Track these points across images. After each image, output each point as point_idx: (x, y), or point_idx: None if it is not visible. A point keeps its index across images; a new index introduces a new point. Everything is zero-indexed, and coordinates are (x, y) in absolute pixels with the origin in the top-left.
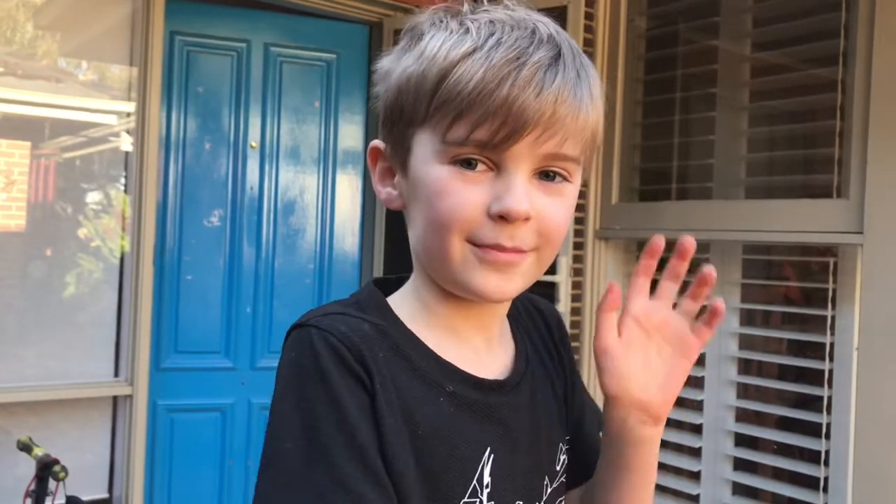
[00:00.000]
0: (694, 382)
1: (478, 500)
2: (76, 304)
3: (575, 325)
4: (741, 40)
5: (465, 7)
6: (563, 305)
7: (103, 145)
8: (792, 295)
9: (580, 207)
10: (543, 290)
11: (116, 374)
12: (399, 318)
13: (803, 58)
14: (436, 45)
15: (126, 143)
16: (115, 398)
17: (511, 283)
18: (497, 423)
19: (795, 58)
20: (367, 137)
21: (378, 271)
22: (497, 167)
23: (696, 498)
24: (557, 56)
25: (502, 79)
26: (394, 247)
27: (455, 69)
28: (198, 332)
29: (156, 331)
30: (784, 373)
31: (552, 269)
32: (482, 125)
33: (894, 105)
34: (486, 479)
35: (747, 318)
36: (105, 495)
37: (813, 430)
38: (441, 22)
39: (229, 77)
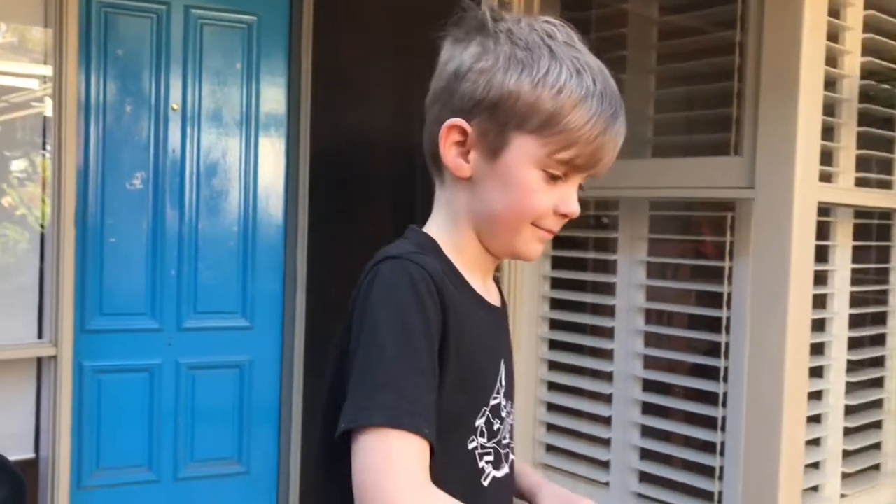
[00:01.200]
0: (606, 332)
1: (498, 396)
2: (1, 272)
3: None
4: (650, 3)
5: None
6: None
7: (25, 111)
8: (701, 249)
9: None
10: None
11: (40, 336)
12: (450, 259)
13: (708, 21)
14: (558, 79)
15: (49, 109)
16: (39, 360)
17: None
18: (503, 337)
19: (700, 21)
20: (290, 100)
21: (303, 233)
22: (566, 177)
23: (607, 441)
24: (621, 110)
25: (605, 130)
26: (318, 209)
27: (574, 110)
28: (123, 295)
29: (80, 293)
30: (695, 322)
31: None
32: (580, 156)
33: (783, 66)
34: (502, 380)
35: (657, 271)
36: (32, 455)
37: (714, 374)
38: (542, 42)
39: (149, 39)
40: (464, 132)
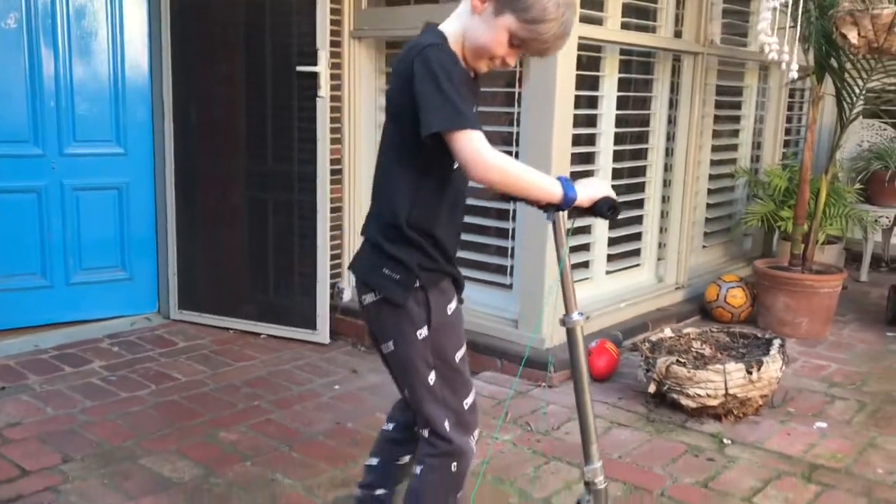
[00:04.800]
0: None
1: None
2: None
3: (335, 109)
4: None
5: None
6: (324, 91)
7: None
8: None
9: (336, 11)
10: (308, 81)
11: None
12: (454, 52)
13: None
14: (548, 6)
15: None
16: None
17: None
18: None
19: None
20: None
21: (167, 65)
22: (517, 48)
23: None
24: (569, 34)
25: (555, 42)
26: (180, 46)
27: (547, 24)
28: (7, 125)
29: None
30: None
31: (314, 61)
32: (534, 46)
33: None
34: None
35: None
36: None
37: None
38: None
39: None
40: None
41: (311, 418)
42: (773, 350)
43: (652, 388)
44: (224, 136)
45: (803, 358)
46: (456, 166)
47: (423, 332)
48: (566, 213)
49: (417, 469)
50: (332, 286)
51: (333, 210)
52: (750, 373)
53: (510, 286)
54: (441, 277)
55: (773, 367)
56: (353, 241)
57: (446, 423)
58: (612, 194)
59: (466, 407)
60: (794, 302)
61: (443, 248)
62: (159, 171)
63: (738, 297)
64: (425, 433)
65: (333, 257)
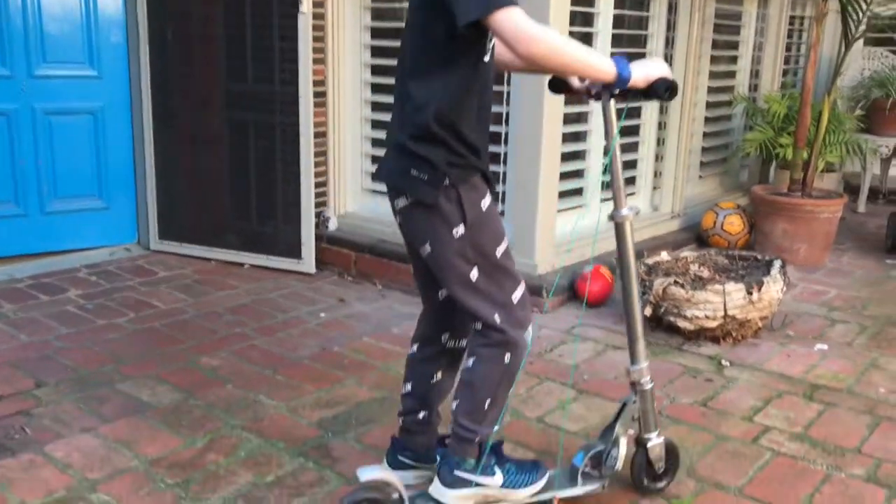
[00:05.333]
0: None
1: None
2: None
3: (318, 27)
4: None
5: None
6: (306, 7)
7: None
8: None
9: None
10: (290, 10)
11: None
12: None
13: None
14: None
15: None
16: None
17: None
18: None
19: None
20: None
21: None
22: None
23: None
24: None
25: None
26: None
27: None
28: None
29: None
30: None
31: None
32: None
33: None
34: None
35: None
36: None
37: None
38: None
39: None
40: None
41: (296, 344)
42: (774, 271)
43: (648, 311)
44: (202, 56)
45: (802, 284)
46: (486, 59)
47: (459, 231)
48: (616, 95)
49: (469, 361)
50: (318, 215)
51: (317, 135)
52: (750, 293)
53: (502, 213)
54: (470, 173)
55: (773, 287)
56: (339, 168)
57: (496, 317)
58: (670, 74)
59: (515, 301)
60: (793, 228)
61: (470, 144)
62: (136, 94)
63: (735, 224)
64: (478, 326)
65: (318, 185)
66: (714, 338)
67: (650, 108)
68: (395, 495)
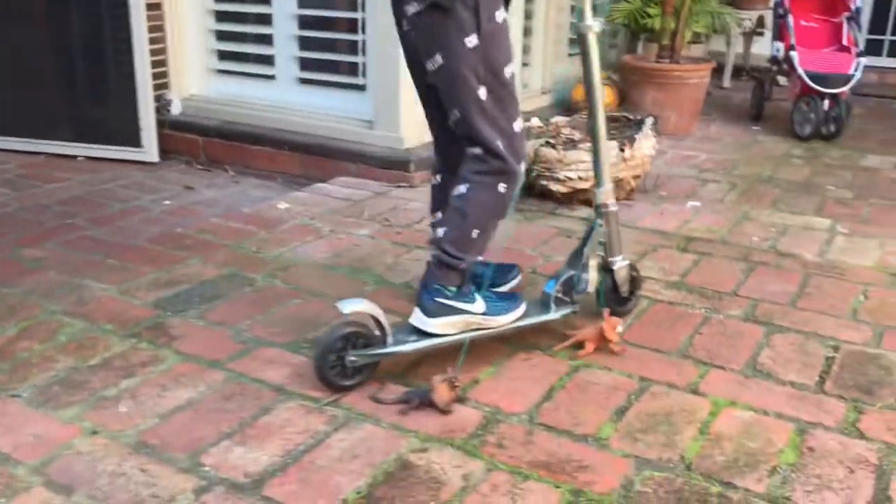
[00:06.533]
0: None
1: None
2: None
3: None
4: None
5: None
6: None
7: None
8: None
9: None
10: None
11: None
12: None
13: None
14: None
15: None
16: None
17: None
18: None
19: None
20: None
21: None
22: None
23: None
24: None
25: None
26: None
27: None
28: None
29: None
30: None
31: None
32: None
33: None
34: None
35: None
36: None
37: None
38: None
39: None
40: None
41: (135, 231)
42: (646, 128)
43: None
44: None
45: (673, 150)
46: None
47: (472, 41)
48: None
49: (462, 187)
50: (158, 98)
51: (151, 7)
52: (623, 150)
53: (363, 87)
54: None
55: (645, 144)
56: (179, 45)
57: (499, 142)
58: None
59: (517, 130)
60: (663, 95)
61: None
62: None
63: (605, 96)
64: (476, 150)
65: (157, 64)
66: (587, 201)
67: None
68: (378, 332)
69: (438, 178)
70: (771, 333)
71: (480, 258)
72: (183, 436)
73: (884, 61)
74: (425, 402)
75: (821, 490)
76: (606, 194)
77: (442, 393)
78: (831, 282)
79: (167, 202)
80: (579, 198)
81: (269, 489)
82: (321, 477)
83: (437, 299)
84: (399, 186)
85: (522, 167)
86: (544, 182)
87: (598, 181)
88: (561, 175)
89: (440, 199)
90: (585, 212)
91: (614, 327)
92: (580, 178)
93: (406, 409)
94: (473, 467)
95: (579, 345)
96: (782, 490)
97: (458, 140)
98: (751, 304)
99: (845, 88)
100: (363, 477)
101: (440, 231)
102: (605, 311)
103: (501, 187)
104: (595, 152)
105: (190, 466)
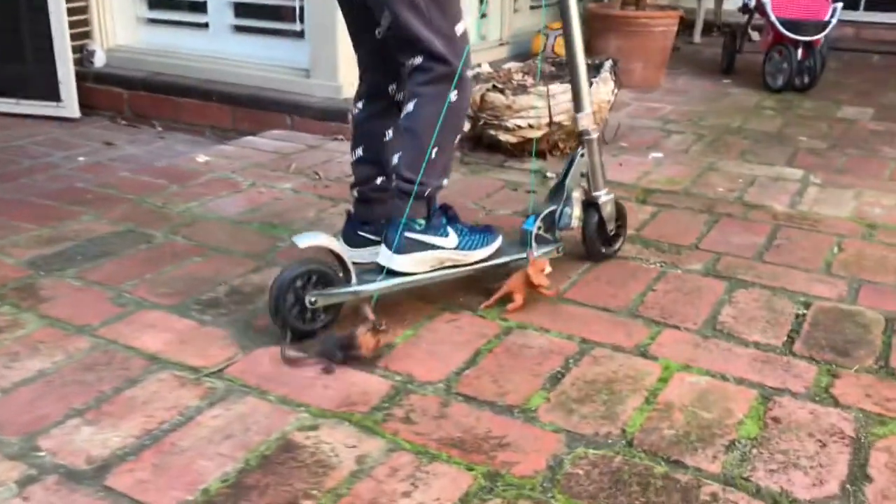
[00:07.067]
0: None
1: None
2: None
3: None
4: None
5: None
6: None
7: None
8: None
9: None
10: None
11: None
12: None
13: None
14: None
15: None
16: None
17: None
18: None
19: None
20: None
21: None
22: None
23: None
24: None
25: None
26: None
27: None
28: None
29: None
30: None
31: None
32: None
33: None
34: None
35: None
36: None
37: None
38: None
39: None
40: None
41: (37, 189)
42: (604, 72)
43: (465, 126)
44: None
45: (637, 102)
46: None
47: None
48: None
49: (410, 105)
50: (80, 49)
51: None
52: None
53: (301, 33)
54: None
55: (603, 89)
56: None
57: (439, 44)
58: None
59: (459, 34)
60: (628, 44)
61: None
62: None
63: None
64: (418, 60)
65: (78, 11)
66: (540, 152)
67: None
68: (340, 272)
69: (360, 105)
70: (734, 289)
71: (445, 181)
72: (23, 414)
73: (861, 15)
74: (350, 355)
75: (786, 468)
76: (587, 118)
77: (367, 341)
78: (803, 233)
79: (81, 159)
80: (531, 149)
81: (112, 478)
82: (182, 461)
83: (405, 234)
84: (336, 139)
85: (470, 73)
86: (492, 132)
87: (577, 105)
88: (510, 123)
89: (362, 131)
90: (537, 164)
91: (541, 269)
92: (531, 127)
93: (330, 368)
94: (371, 447)
95: (507, 299)
96: (741, 469)
97: (394, 56)
98: (713, 257)
99: (820, 36)
100: (233, 461)
101: (394, 158)
102: (530, 252)
103: (453, 95)
104: (573, 74)
105: (21, 451)
